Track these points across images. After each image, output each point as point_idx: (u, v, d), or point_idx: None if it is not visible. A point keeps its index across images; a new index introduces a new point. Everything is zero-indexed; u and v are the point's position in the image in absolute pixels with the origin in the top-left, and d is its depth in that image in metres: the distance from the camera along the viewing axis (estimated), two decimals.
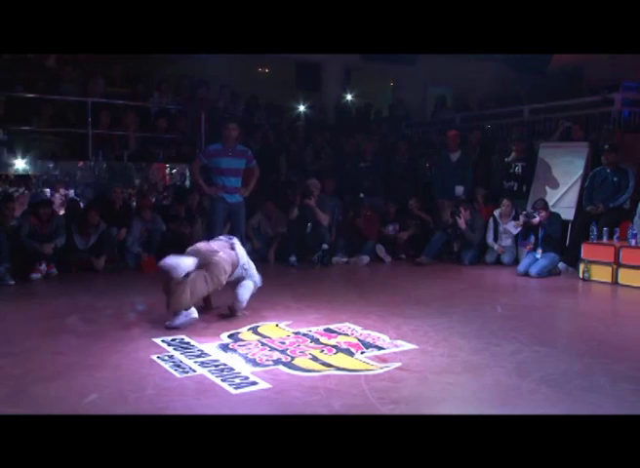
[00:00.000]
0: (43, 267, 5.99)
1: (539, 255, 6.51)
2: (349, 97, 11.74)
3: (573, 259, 6.56)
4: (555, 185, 7.38)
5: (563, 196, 7.29)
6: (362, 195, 7.93)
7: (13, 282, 5.66)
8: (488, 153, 8.46)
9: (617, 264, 5.99)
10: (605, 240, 6.25)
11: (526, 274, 6.43)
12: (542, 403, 2.77)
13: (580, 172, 7.20)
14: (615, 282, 5.97)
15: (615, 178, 6.66)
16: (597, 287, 6.00)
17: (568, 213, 7.08)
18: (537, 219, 6.48)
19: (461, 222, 7.23)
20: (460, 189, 7.60)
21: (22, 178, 7.14)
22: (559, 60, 9.54)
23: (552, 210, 6.78)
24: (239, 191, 6.10)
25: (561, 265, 6.67)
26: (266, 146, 8.66)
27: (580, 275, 6.23)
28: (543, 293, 5.87)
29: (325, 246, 7.15)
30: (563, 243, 6.79)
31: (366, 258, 7.34)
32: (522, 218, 6.67)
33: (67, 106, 7.93)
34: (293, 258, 7.08)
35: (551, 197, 7.20)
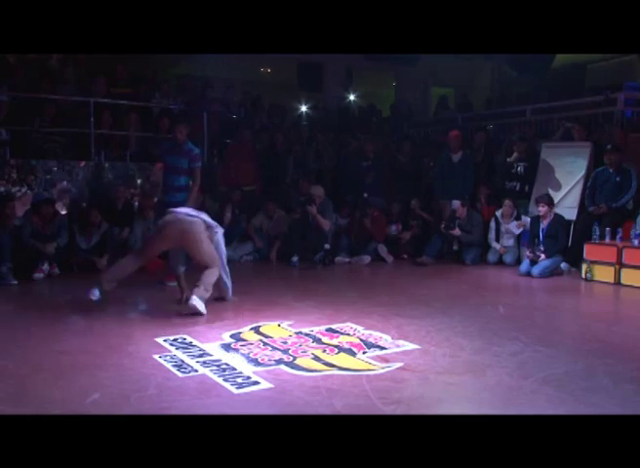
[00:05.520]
0: (45, 267, 6.00)
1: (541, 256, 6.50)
2: (352, 97, 11.74)
3: (575, 260, 6.55)
4: (557, 185, 7.37)
5: (565, 196, 7.28)
6: (366, 195, 7.92)
7: (15, 282, 5.66)
8: (491, 153, 8.44)
9: (619, 265, 5.98)
10: (607, 240, 6.25)
11: (528, 274, 6.42)
12: (544, 403, 2.77)
13: (583, 172, 7.19)
14: (617, 282, 5.96)
15: (617, 178, 6.65)
16: (600, 287, 5.99)
17: (570, 213, 7.07)
18: (542, 258, 6.43)
19: (456, 232, 7.25)
20: (456, 203, 7.59)
21: (25, 178, 7.15)
22: (561, 60, 9.53)
23: (555, 210, 6.77)
24: (181, 190, 5.93)
25: (563, 265, 6.66)
26: (271, 147, 8.68)
27: (583, 275, 6.22)
28: (545, 294, 5.86)
29: (327, 246, 7.16)
30: (565, 243, 6.78)
31: (367, 258, 7.35)
32: (529, 253, 6.60)
33: (70, 107, 7.94)
34: (295, 258, 7.08)
35: (554, 197, 7.18)
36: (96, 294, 4.53)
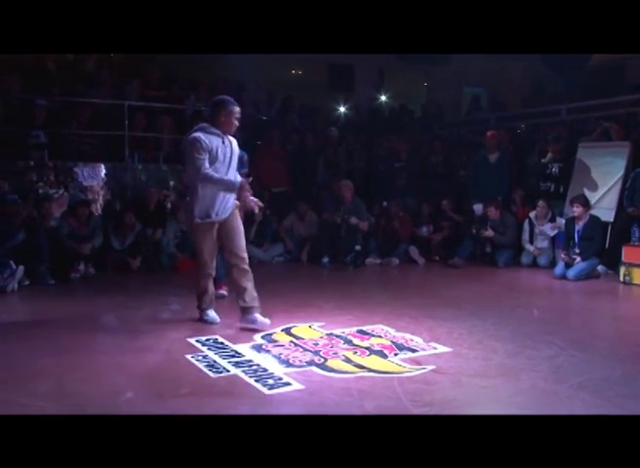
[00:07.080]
0: (81, 267, 6.14)
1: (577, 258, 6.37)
2: (383, 97, 11.69)
3: (612, 262, 6.39)
4: (594, 186, 7.20)
5: (602, 197, 7.10)
6: (385, 203, 7.81)
7: (53, 281, 5.81)
8: (521, 153, 8.31)
9: None
10: None
11: (563, 277, 6.29)
12: (581, 409, 2.70)
13: (621, 172, 7.01)
14: None
15: None
16: (639, 291, 5.83)
17: (607, 214, 6.90)
18: (578, 260, 6.31)
19: (488, 233, 7.15)
20: (478, 207, 7.48)
21: (63, 181, 7.32)
22: (598, 57, 9.31)
23: (591, 211, 6.61)
24: None
25: (600, 268, 6.50)
26: (301, 147, 8.71)
27: (621, 278, 6.06)
28: (581, 297, 5.74)
29: (358, 247, 7.14)
30: (602, 245, 6.62)
31: (395, 261, 7.31)
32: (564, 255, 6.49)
33: (105, 109, 8.10)
34: (325, 260, 7.08)
35: (590, 198, 7.01)
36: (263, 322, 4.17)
